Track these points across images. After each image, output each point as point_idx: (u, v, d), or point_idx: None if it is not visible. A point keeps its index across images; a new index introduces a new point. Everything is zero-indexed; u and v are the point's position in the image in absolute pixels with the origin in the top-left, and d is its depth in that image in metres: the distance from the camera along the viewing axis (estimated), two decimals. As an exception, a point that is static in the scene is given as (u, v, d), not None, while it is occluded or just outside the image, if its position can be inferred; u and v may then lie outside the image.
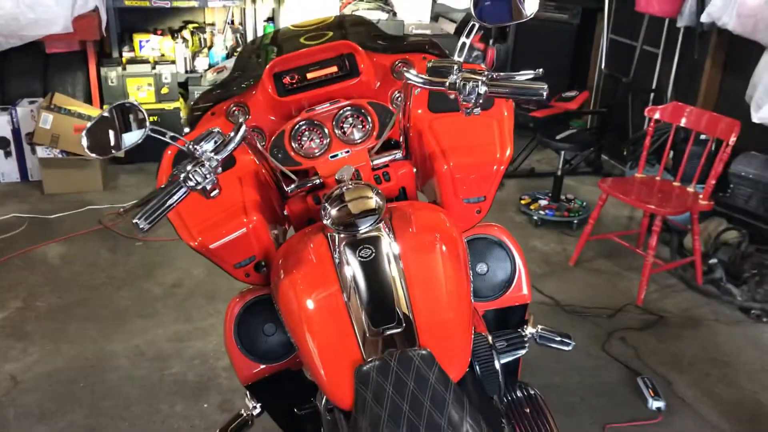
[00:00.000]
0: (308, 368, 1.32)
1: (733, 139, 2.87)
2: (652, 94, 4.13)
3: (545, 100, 1.46)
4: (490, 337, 1.52)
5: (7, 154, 4.01)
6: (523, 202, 3.82)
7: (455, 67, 1.39)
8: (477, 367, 1.47)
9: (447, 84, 1.37)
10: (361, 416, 1.17)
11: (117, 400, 2.34)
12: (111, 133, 1.34)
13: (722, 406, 2.41)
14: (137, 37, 4.45)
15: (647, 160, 3.28)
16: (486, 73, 1.41)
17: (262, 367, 1.55)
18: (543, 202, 3.76)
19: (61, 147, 3.80)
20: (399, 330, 1.24)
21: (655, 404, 2.37)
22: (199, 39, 4.56)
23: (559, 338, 1.82)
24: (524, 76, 1.53)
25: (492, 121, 1.64)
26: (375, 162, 1.60)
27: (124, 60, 4.30)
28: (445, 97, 1.37)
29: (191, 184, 1.26)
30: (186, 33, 4.54)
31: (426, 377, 1.18)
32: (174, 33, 4.57)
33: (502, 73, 1.46)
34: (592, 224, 3.25)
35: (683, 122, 3.10)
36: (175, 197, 1.27)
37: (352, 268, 1.29)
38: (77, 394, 2.36)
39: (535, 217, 3.69)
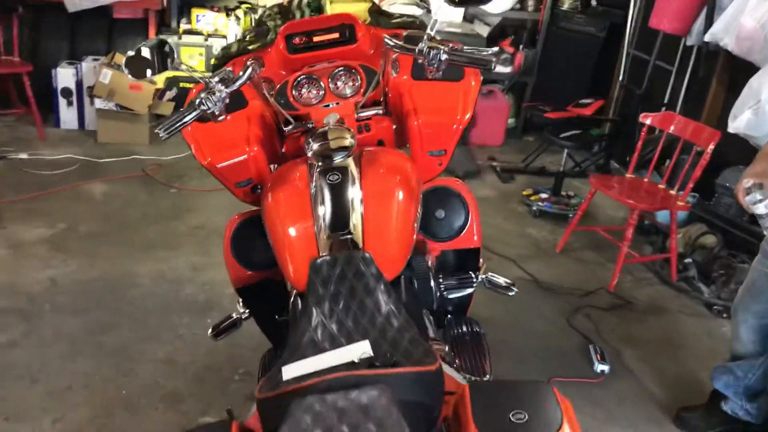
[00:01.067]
0: (279, 260, 1.67)
1: (711, 147, 3.13)
2: (663, 108, 4.37)
3: (492, 68, 1.76)
4: (429, 261, 1.86)
5: (69, 104, 4.49)
6: (525, 193, 4.12)
7: (425, 37, 1.73)
8: (415, 282, 1.81)
9: (417, 50, 1.71)
10: (311, 296, 1.51)
11: (137, 308, 2.74)
12: (148, 61, 1.72)
13: (663, 378, 2.68)
14: (195, 12, 4.90)
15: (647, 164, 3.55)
16: (449, 45, 1.74)
17: (250, 273, 1.90)
18: (543, 196, 4.06)
19: (117, 101, 4.26)
20: (349, 236, 1.57)
21: (600, 367, 2.66)
22: (250, 18, 4.98)
23: (505, 284, 2.14)
24: (486, 51, 1.84)
25: (459, 90, 1.95)
26: (360, 114, 1.94)
27: (180, 30, 4.75)
28: (439, 75, 1.71)
29: (203, 107, 1.62)
30: (239, 12, 4.96)
31: (363, 272, 1.51)
32: (228, 11, 5.00)
33: (465, 47, 1.78)
34: (579, 215, 3.54)
35: (672, 129, 3.36)
36: (189, 117, 1.64)
37: (322, 188, 1.63)
38: (104, 300, 2.77)
39: (534, 208, 3.99)
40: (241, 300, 2.02)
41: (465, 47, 1.78)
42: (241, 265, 1.91)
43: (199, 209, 3.61)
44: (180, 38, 4.66)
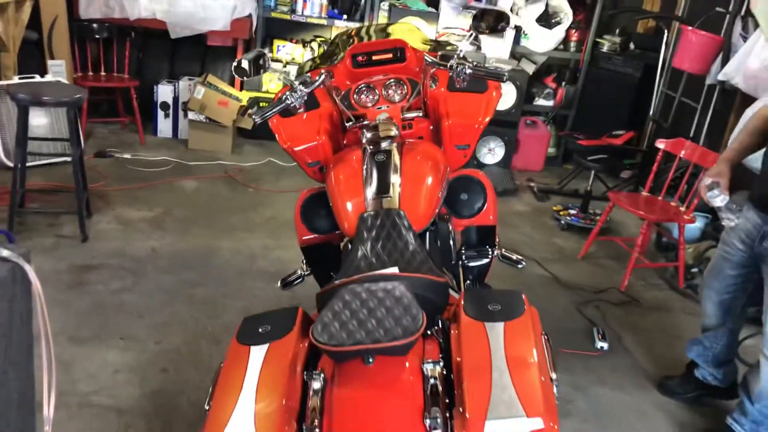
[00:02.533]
0: (337, 216, 2.25)
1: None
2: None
3: (503, 80, 2.34)
4: (450, 226, 2.42)
5: (166, 116, 5.24)
6: (555, 209, 4.63)
7: (455, 56, 2.33)
8: (439, 242, 2.37)
9: (448, 66, 2.31)
10: (358, 238, 2.09)
11: (219, 273, 3.37)
12: (246, 65, 2.34)
13: (654, 357, 3.14)
14: (276, 42, 5.64)
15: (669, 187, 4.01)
16: (473, 62, 2.34)
17: (312, 236, 2.49)
18: (572, 211, 4.56)
19: (206, 114, 4.99)
20: (388, 197, 2.16)
21: (600, 344, 3.14)
22: (324, 49, 5.68)
23: (515, 258, 2.69)
24: (501, 68, 2.43)
25: (483, 100, 2.53)
26: (405, 116, 2.53)
27: (280, 74, 5.46)
28: (464, 85, 2.29)
29: (287, 102, 2.25)
30: (314, 44, 5.67)
31: (397, 223, 2.09)
32: (305, 43, 5.72)
33: (485, 64, 2.36)
34: (599, 225, 4.04)
35: (682, 153, 3.84)
36: (278, 108, 2.27)
37: (371, 165, 2.22)
38: (192, 265, 3.42)
39: (562, 222, 4.49)
40: (304, 259, 2.60)
41: (482, 63, 2.37)
42: (306, 228, 2.49)
43: (272, 205, 4.25)
44: (280, 75, 5.37)
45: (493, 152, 5.46)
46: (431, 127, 2.60)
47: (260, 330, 1.74)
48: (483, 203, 2.59)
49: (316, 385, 1.58)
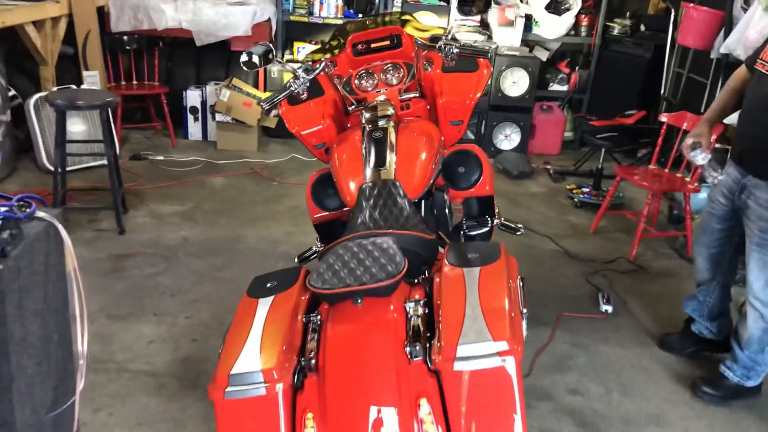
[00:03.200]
0: (340, 189, 2.46)
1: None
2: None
3: (489, 57, 2.54)
4: (446, 196, 2.61)
5: (195, 119, 5.54)
6: (568, 187, 4.79)
7: (443, 39, 2.53)
8: (435, 210, 2.57)
9: (437, 47, 2.51)
10: (357, 207, 2.30)
11: (245, 257, 3.62)
12: (257, 59, 2.57)
13: (657, 318, 3.28)
14: (296, 44, 5.90)
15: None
16: (460, 42, 2.53)
17: (324, 213, 2.71)
18: (585, 189, 4.70)
19: (233, 115, 5.26)
20: (385, 170, 2.36)
21: (604, 308, 3.29)
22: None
23: (514, 226, 2.87)
24: (486, 47, 2.62)
25: (474, 78, 2.72)
26: (402, 97, 2.74)
27: (284, 60, 5.73)
28: (455, 65, 2.49)
29: (291, 88, 2.48)
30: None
31: (392, 192, 2.29)
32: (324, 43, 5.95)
33: (470, 46, 2.56)
34: (608, 200, 4.18)
35: (684, 126, 3.95)
36: (283, 95, 2.51)
37: (369, 141, 2.44)
38: (220, 251, 3.68)
39: (576, 200, 4.64)
40: (318, 236, 2.82)
41: (467, 42, 2.58)
42: (317, 206, 2.71)
43: (294, 197, 4.50)
44: (284, 66, 5.64)
45: (509, 138, 5.62)
46: (428, 107, 2.80)
47: (267, 285, 1.97)
48: (479, 175, 2.78)
49: (313, 326, 1.80)
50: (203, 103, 5.51)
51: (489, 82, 5.47)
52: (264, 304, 1.88)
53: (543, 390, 2.69)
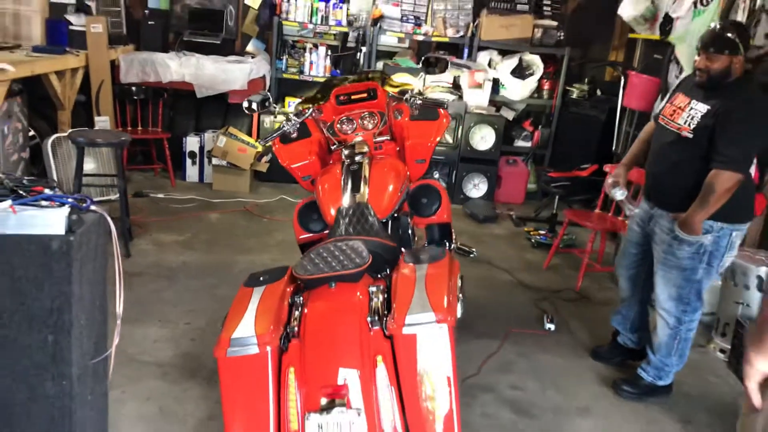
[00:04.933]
0: (322, 210, 2.99)
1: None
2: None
3: (446, 107, 3.13)
4: (410, 220, 3.15)
5: (193, 163, 6.10)
6: (526, 230, 5.36)
7: (409, 92, 3.13)
8: (400, 231, 3.10)
9: (403, 99, 3.10)
10: (336, 225, 2.84)
11: (236, 278, 4.09)
12: (255, 105, 3.14)
13: (594, 337, 3.80)
14: (288, 99, 6.52)
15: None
16: (422, 96, 3.13)
17: (308, 234, 3.24)
18: (542, 232, 5.27)
19: (228, 160, 5.83)
20: (359, 194, 2.91)
21: (548, 326, 3.81)
22: (329, 104, 6.54)
23: (467, 249, 3.42)
24: (444, 98, 3.22)
25: (434, 125, 3.31)
26: (377, 139, 3.31)
27: (277, 113, 6.33)
28: (419, 113, 3.09)
29: (284, 128, 3.06)
30: (320, 99, 6.54)
31: (365, 212, 2.84)
32: (312, 98, 6.58)
33: (430, 98, 3.16)
34: (559, 238, 4.74)
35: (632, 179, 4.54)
36: (277, 133, 3.08)
37: (347, 172, 2.99)
38: (215, 273, 4.17)
39: (533, 240, 5.21)
40: (301, 250, 3.33)
41: (430, 96, 3.18)
42: (301, 228, 3.23)
43: (282, 231, 5.02)
44: (275, 117, 6.25)
45: (477, 187, 6.22)
46: (397, 148, 3.37)
47: (260, 278, 2.49)
48: (438, 205, 3.33)
49: (296, 305, 2.31)
50: (201, 148, 6.07)
51: (460, 136, 6.10)
52: (258, 292, 2.39)
53: (488, 386, 3.18)
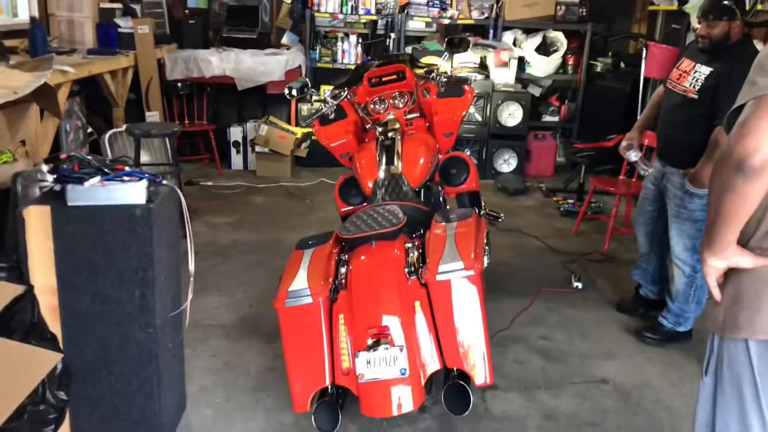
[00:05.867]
0: (360, 183, 3.30)
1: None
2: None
3: (469, 83, 3.41)
4: (441, 189, 3.44)
5: (237, 151, 6.47)
6: (555, 199, 5.60)
7: (435, 72, 3.42)
8: (432, 199, 3.40)
9: (430, 77, 3.40)
10: (373, 195, 3.16)
11: (285, 252, 4.43)
12: (295, 91, 3.46)
13: (620, 293, 4.04)
14: (323, 87, 6.83)
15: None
16: (447, 74, 3.42)
17: (349, 207, 3.56)
18: (570, 201, 5.52)
19: (270, 147, 6.18)
20: (394, 167, 3.22)
21: (575, 284, 4.08)
22: (362, 90, 6.85)
23: (496, 215, 3.71)
24: (468, 77, 3.51)
25: (460, 101, 3.59)
26: (407, 117, 3.61)
27: (312, 100, 6.67)
28: (444, 91, 3.37)
29: (322, 110, 3.38)
30: (354, 86, 6.85)
31: (399, 182, 3.16)
32: (346, 85, 6.90)
33: (455, 75, 3.45)
34: (586, 204, 4.98)
35: (646, 142, 4.76)
36: (316, 115, 3.41)
37: (381, 148, 3.30)
38: (265, 248, 4.53)
39: (561, 209, 5.46)
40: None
41: (455, 74, 3.47)
42: (342, 201, 3.55)
43: (323, 210, 5.37)
44: (311, 105, 6.59)
45: (507, 162, 6.47)
46: (427, 124, 3.66)
47: (309, 242, 2.82)
48: (467, 175, 3.62)
49: (343, 262, 2.63)
50: (244, 137, 6.44)
51: (488, 114, 6.36)
52: (308, 253, 2.73)
53: (519, 337, 3.47)
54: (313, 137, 6.48)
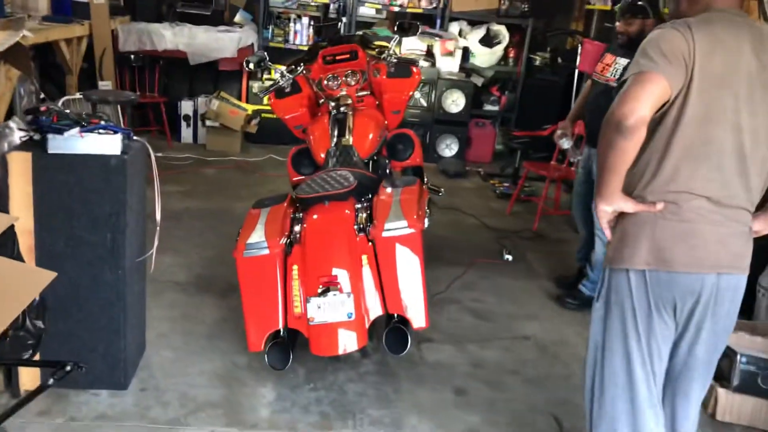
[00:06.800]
0: (314, 153, 3.56)
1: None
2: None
3: (417, 64, 3.70)
4: (388, 163, 3.73)
5: (188, 125, 6.61)
6: (492, 182, 5.98)
7: (386, 52, 3.70)
8: (380, 171, 3.68)
9: (381, 57, 3.68)
10: (325, 164, 3.41)
11: (233, 219, 4.63)
12: (253, 65, 3.68)
13: (546, 265, 4.43)
14: (274, 66, 7.01)
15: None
16: (397, 55, 3.70)
17: (300, 177, 3.79)
18: (505, 184, 5.90)
19: (220, 121, 6.35)
20: (345, 139, 3.49)
21: (506, 256, 4.44)
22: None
23: (437, 189, 4.01)
24: (416, 59, 3.81)
25: (408, 82, 3.87)
26: (358, 94, 3.87)
27: (263, 79, 6.86)
28: (394, 71, 3.65)
29: (279, 83, 3.62)
30: (304, 67, 7.06)
31: (350, 153, 3.42)
32: (297, 66, 7.10)
33: (404, 57, 3.73)
34: (519, 187, 5.37)
35: (576, 130, 5.15)
36: (272, 87, 3.65)
37: (334, 121, 3.56)
38: (215, 216, 4.74)
39: (497, 191, 5.83)
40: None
41: (402, 56, 3.75)
42: (295, 171, 3.79)
43: (272, 184, 5.59)
44: (263, 83, 6.77)
45: (449, 147, 6.81)
46: (377, 102, 3.93)
47: (266, 202, 3.06)
48: (412, 150, 3.91)
49: (297, 220, 2.89)
50: (195, 111, 6.59)
51: (433, 100, 6.68)
52: (264, 211, 2.98)
53: (454, 299, 3.80)
54: (263, 115, 6.69)
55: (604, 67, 3.56)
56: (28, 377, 2.58)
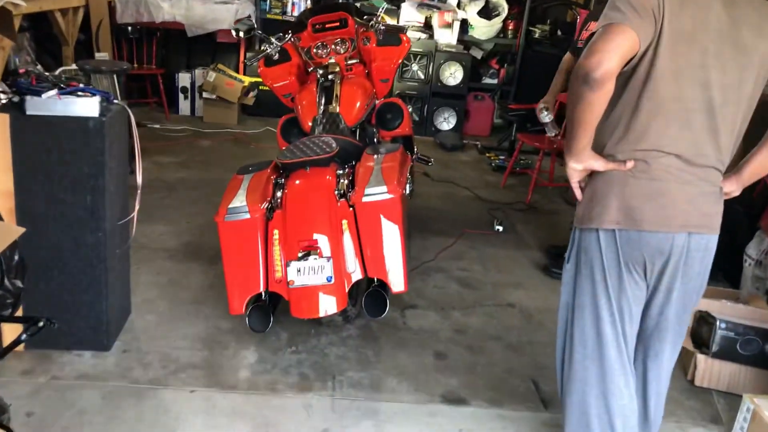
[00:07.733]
0: (301, 120, 3.57)
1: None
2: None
3: (405, 31, 3.69)
4: (375, 131, 3.74)
5: (185, 98, 6.62)
6: (488, 155, 5.96)
7: (374, 20, 3.68)
8: (367, 139, 3.69)
9: (369, 25, 3.66)
10: (312, 131, 3.42)
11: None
12: (242, 33, 3.68)
13: (536, 237, 4.43)
14: (271, 37, 6.99)
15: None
16: (385, 23, 3.69)
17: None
18: (501, 157, 5.88)
19: (217, 93, 6.35)
20: (332, 106, 3.49)
21: (497, 227, 4.44)
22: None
23: (426, 159, 4.02)
24: (403, 27, 3.79)
25: (397, 50, 3.87)
26: (348, 62, 3.86)
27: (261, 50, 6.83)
28: (383, 39, 3.63)
29: (267, 51, 3.61)
30: (303, 39, 7.03)
31: (336, 120, 3.43)
32: (295, 39, 7.07)
33: (392, 24, 3.72)
34: (513, 159, 5.35)
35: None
36: (261, 54, 3.64)
37: (322, 88, 3.56)
38: (210, 186, 4.75)
39: (492, 164, 5.82)
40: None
41: (391, 24, 3.74)
42: (284, 140, 3.80)
43: (268, 155, 5.55)
44: (261, 35, 6.74)
45: (447, 120, 6.79)
46: (366, 71, 3.93)
47: (250, 168, 3.07)
48: (401, 120, 3.92)
49: (279, 185, 2.90)
50: (192, 83, 6.59)
51: (431, 73, 6.64)
52: (247, 177, 2.99)
53: (441, 268, 3.82)
54: (261, 87, 6.67)
55: (589, 35, 3.54)
56: (11, 337, 2.62)
